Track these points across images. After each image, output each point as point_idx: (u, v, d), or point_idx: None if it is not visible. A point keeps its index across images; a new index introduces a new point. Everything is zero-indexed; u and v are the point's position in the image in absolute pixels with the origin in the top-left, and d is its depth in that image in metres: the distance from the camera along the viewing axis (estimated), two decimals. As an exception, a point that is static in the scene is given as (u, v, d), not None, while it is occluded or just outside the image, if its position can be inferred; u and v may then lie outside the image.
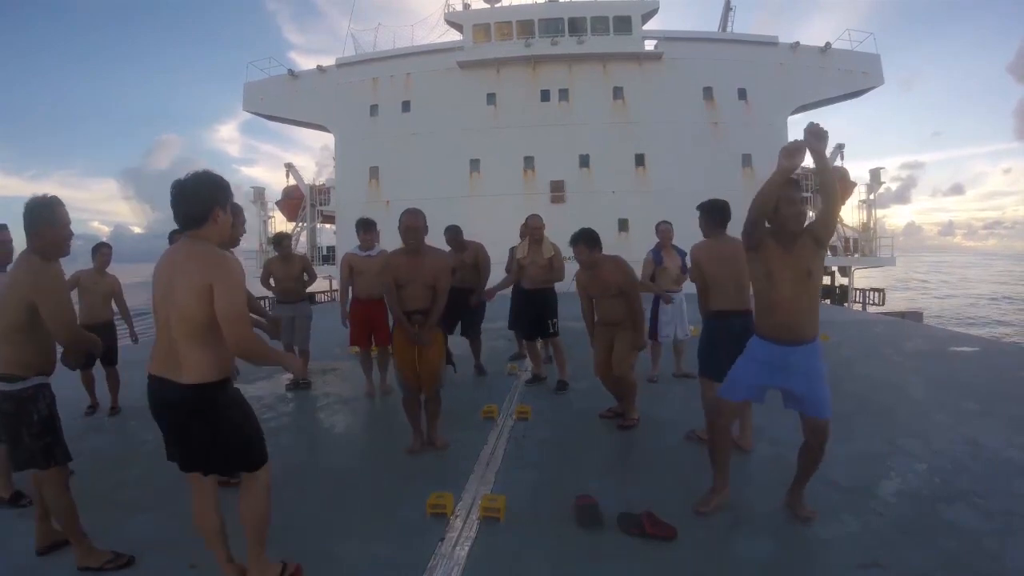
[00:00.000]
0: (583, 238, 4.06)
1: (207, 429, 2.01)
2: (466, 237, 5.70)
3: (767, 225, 2.61)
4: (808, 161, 2.56)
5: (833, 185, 2.57)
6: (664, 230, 5.58)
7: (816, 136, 2.44)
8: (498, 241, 6.63)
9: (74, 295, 5.14)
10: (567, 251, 5.34)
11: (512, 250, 6.42)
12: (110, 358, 4.82)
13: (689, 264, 4.16)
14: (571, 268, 4.72)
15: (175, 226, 2.20)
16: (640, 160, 18.86)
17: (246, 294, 2.26)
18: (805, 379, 2.57)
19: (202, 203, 2.01)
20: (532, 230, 5.37)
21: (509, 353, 6.85)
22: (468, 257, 5.46)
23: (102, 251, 4.96)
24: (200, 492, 2.15)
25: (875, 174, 20.10)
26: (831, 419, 2.61)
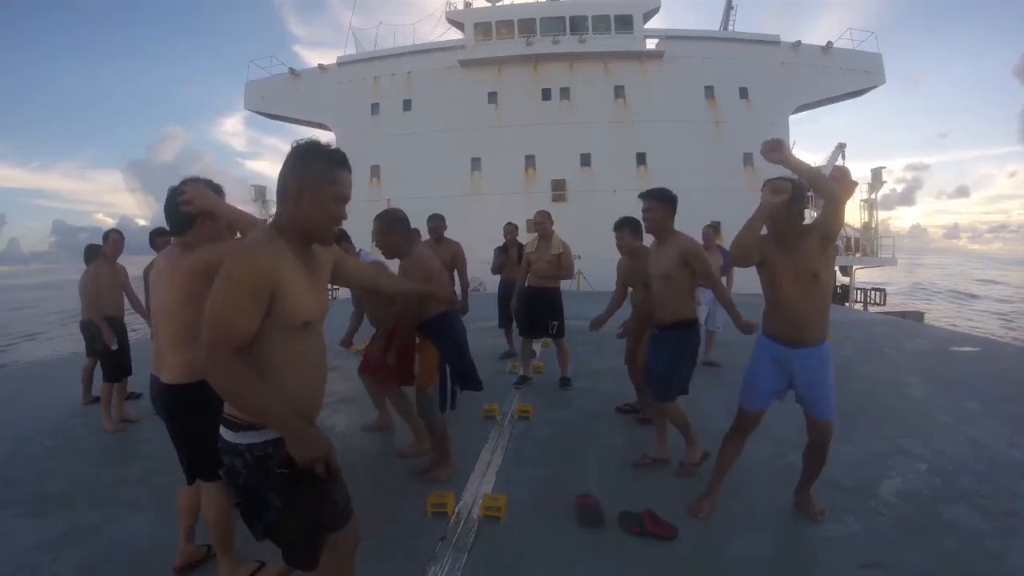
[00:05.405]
0: (628, 224, 3.99)
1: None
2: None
3: (764, 231, 2.58)
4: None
5: (824, 185, 2.42)
6: (706, 233, 6.11)
7: (772, 148, 2.35)
8: (499, 240, 6.64)
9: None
10: (575, 250, 5.39)
11: (497, 250, 6.43)
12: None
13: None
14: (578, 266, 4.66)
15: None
16: (642, 159, 18.88)
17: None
18: (809, 378, 2.55)
19: None
20: (538, 225, 5.32)
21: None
22: (445, 254, 5.30)
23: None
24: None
25: (876, 173, 20.07)
26: (833, 422, 2.61)
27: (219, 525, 2.22)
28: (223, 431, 1.49)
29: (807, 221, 2.59)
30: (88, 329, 4.59)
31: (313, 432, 1.45)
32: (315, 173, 1.44)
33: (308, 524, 1.49)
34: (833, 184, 2.46)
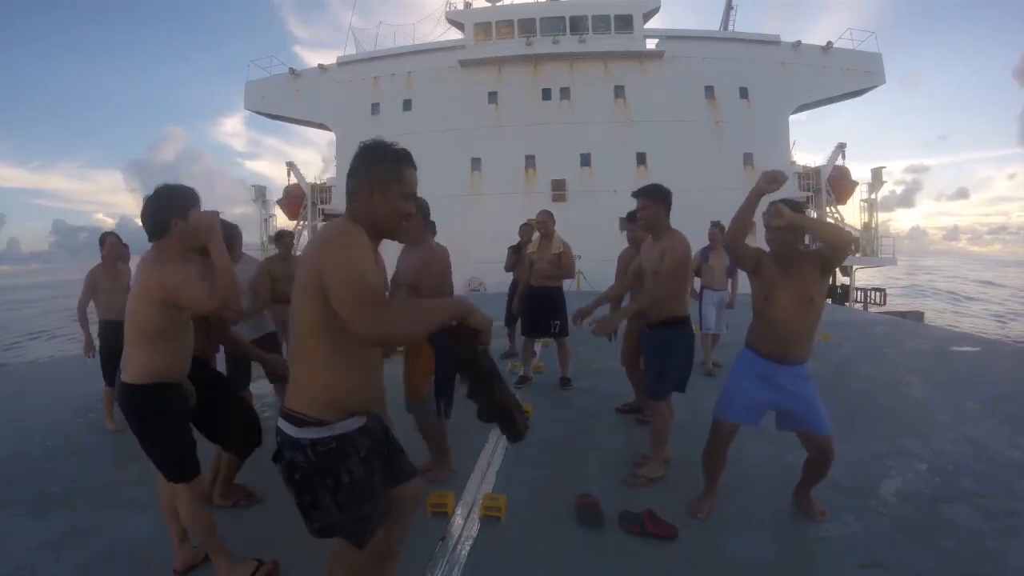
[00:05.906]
0: None
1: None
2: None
3: (768, 248, 2.58)
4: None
5: (817, 228, 2.44)
6: (713, 233, 5.95)
7: (769, 181, 2.32)
8: (499, 240, 6.64)
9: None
10: (575, 249, 5.39)
11: (510, 249, 6.44)
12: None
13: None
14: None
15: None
16: (642, 159, 18.87)
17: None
18: (798, 398, 2.54)
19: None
20: (540, 224, 5.34)
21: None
22: None
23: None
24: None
25: (876, 173, 20.10)
26: (831, 437, 2.58)
27: (196, 525, 2.24)
28: (284, 425, 1.51)
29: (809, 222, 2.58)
30: (100, 328, 4.61)
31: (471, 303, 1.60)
32: (384, 173, 1.51)
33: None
34: (824, 227, 2.47)
